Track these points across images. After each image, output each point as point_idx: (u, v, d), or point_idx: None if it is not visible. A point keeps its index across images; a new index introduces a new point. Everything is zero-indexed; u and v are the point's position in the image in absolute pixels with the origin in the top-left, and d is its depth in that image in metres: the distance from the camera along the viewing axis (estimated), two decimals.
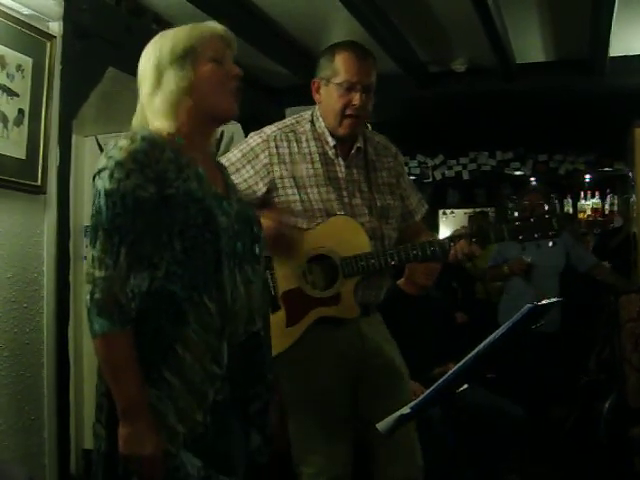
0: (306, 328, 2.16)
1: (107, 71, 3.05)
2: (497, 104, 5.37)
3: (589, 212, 6.57)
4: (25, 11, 2.59)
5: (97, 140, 3.66)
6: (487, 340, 1.47)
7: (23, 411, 2.61)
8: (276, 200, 2.17)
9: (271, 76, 4.58)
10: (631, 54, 4.28)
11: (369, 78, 2.15)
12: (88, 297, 1.47)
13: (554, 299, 1.74)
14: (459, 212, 6.86)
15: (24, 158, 2.61)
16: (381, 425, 1.53)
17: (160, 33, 1.68)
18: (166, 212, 1.52)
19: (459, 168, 6.80)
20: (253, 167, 2.17)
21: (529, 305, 1.48)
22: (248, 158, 2.18)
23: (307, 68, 4.19)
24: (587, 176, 6.57)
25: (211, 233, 1.54)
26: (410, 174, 6.30)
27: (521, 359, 3.93)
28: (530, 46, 4.26)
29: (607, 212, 6.54)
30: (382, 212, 2.23)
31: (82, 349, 3.50)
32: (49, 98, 2.70)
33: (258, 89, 4.70)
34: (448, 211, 6.65)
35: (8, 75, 2.52)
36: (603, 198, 6.58)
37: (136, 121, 1.66)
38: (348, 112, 2.15)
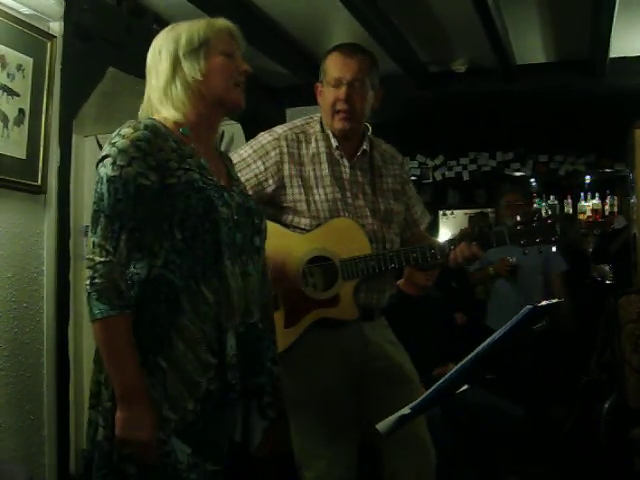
0: (304, 329, 2.16)
1: (107, 71, 3.04)
2: (497, 105, 5.37)
3: (589, 213, 6.57)
4: (26, 11, 2.59)
5: (97, 140, 3.66)
6: (487, 341, 1.47)
7: (23, 411, 2.61)
8: (283, 198, 2.19)
9: (271, 76, 4.58)
10: (631, 55, 4.28)
11: (354, 74, 2.17)
12: (88, 282, 1.49)
13: (554, 300, 1.74)
14: (459, 213, 6.86)
15: (24, 158, 2.61)
16: (381, 426, 1.53)
17: (171, 25, 1.70)
18: (167, 201, 1.54)
19: (459, 169, 6.81)
20: (264, 163, 2.19)
21: (529, 306, 1.48)
22: (259, 154, 2.20)
23: (307, 68, 4.21)
24: (587, 177, 6.58)
25: (211, 223, 1.56)
26: (410, 175, 6.29)
27: (521, 359, 3.93)
28: (530, 47, 4.26)
29: (607, 213, 6.54)
30: (385, 216, 2.24)
31: (82, 349, 3.49)
32: (49, 98, 2.70)
33: (258, 89, 4.70)
34: (448, 212, 6.65)
35: (8, 75, 2.52)
36: (603, 199, 6.58)
37: (142, 112, 1.68)
38: (337, 107, 2.18)
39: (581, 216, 6.53)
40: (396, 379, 2.19)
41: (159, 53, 1.66)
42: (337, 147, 2.22)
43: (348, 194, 2.21)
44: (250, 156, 2.21)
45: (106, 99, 3.26)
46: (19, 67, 2.57)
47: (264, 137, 2.24)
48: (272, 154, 2.20)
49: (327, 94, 2.20)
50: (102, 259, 1.49)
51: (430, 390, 1.54)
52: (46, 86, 2.69)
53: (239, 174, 1.97)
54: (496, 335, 1.47)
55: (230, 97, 1.68)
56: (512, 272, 4.25)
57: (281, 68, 4.33)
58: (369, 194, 2.24)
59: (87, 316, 1.51)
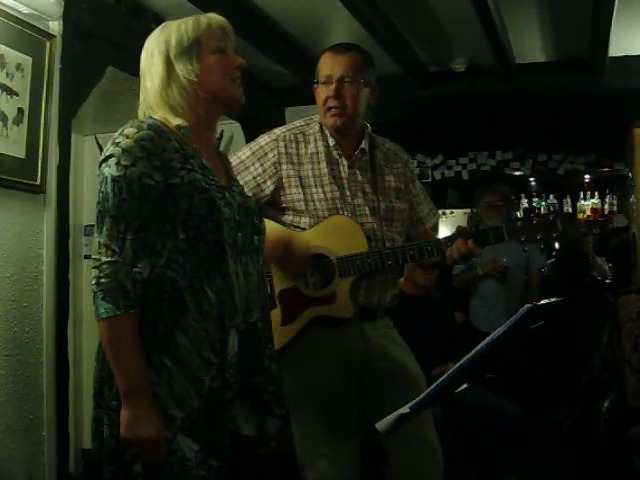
0: (302, 327, 2.16)
1: (107, 70, 3.04)
2: (497, 104, 5.37)
3: (588, 212, 6.57)
4: (25, 10, 2.59)
5: (96, 139, 3.66)
6: (486, 340, 1.47)
7: (22, 410, 2.61)
8: (282, 199, 2.20)
9: (271, 76, 4.58)
10: (631, 54, 4.28)
11: (344, 71, 2.17)
12: (94, 282, 1.49)
13: (553, 299, 1.74)
14: (458, 212, 6.84)
15: (23, 157, 2.61)
16: (380, 425, 1.53)
17: (161, 26, 1.70)
18: (170, 201, 1.54)
19: (459, 168, 6.80)
20: (262, 165, 2.20)
21: (528, 305, 1.48)
22: (257, 156, 2.21)
23: (307, 68, 4.19)
24: (586, 176, 6.58)
25: (214, 223, 1.56)
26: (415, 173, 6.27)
27: (520, 359, 3.93)
28: (530, 46, 4.26)
29: (606, 212, 6.54)
30: (386, 214, 2.24)
31: (81, 348, 3.49)
32: (49, 97, 2.70)
33: (258, 89, 4.70)
34: (448, 211, 6.64)
35: (8, 74, 2.52)
36: (602, 198, 6.58)
37: (141, 114, 1.68)
38: (328, 104, 2.19)
39: (580, 215, 6.53)
40: (400, 379, 2.18)
41: (152, 55, 1.65)
42: (334, 146, 2.22)
43: (347, 193, 2.21)
44: (248, 158, 2.22)
45: (105, 98, 3.26)
46: (18, 66, 2.57)
47: (263, 139, 2.25)
48: (270, 155, 2.20)
49: (319, 93, 2.22)
50: (108, 259, 1.49)
51: (429, 389, 1.54)
52: (45, 85, 2.69)
53: (238, 177, 1.98)
54: (495, 334, 1.47)
55: (228, 93, 1.68)
56: (503, 273, 4.24)
57: (281, 68, 4.33)
58: (369, 193, 2.24)
59: (86, 315, 1.52)
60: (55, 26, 2.74)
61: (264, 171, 2.20)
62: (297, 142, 2.23)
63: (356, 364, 2.17)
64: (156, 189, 1.53)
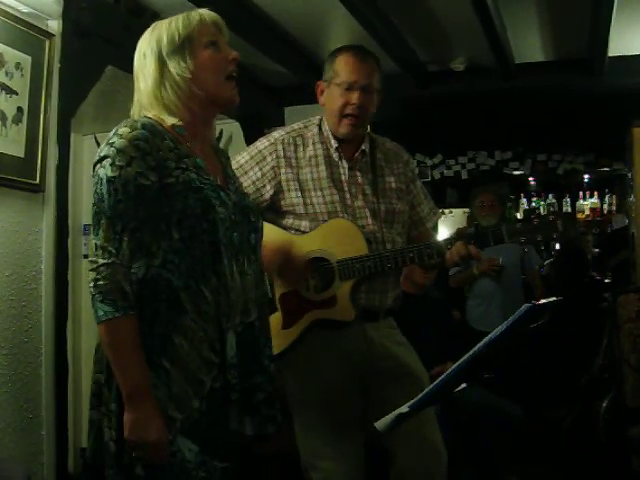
0: (302, 330, 2.16)
1: (106, 69, 3.05)
2: (496, 103, 5.38)
3: (587, 212, 6.58)
4: (24, 9, 2.59)
5: (96, 139, 3.66)
6: (485, 339, 1.47)
7: (21, 409, 2.61)
8: (282, 203, 2.19)
9: (270, 75, 4.57)
10: (630, 54, 4.28)
11: (367, 79, 2.16)
12: (92, 284, 1.48)
13: (553, 298, 1.73)
14: (458, 212, 6.84)
15: (23, 156, 2.61)
16: (379, 424, 1.53)
17: (151, 26, 1.68)
18: (165, 201, 1.53)
19: (458, 167, 6.81)
20: (261, 169, 2.19)
21: (527, 304, 1.47)
22: (256, 160, 2.20)
23: (307, 67, 4.21)
24: (586, 176, 6.59)
25: (209, 223, 1.55)
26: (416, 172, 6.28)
27: (519, 358, 3.93)
28: (529, 45, 4.26)
29: (605, 212, 6.55)
30: (386, 216, 2.23)
31: (80, 347, 3.49)
32: (48, 96, 2.70)
33: (257, 88, 4.70)
34: (447, 211, 6.64)
35: (7, 73, 2.52)
36: (602, 198, 6.59)
37: (135, 115, 1.66)
38: (347, 111, 2.16)
39: (579, 215, 6.54)
40: (403, 378, 2.17)
41: (144, 56, 1.63)
42: (337, 148, 2.21)
43: (347, 195, 2.20)
44: (247, 162, 2.21)
45: (104, 97, 3.26)
46: (17, 65, 2.56)
47: (261, 142, 2.24)
48: (269, 159, 2.19)
49: (336, 96, 2.18)
50: (105, 261, 1.48)
51: (428, 388, 1.54)
52: (44, 84, 2.69)
53: None
54: (494, 334, 1.47)
55: (223, 93, 1.65)
56: (499, 272, 4.25)
57: (280, 67, 4.32)
58: (369, 195, 2.22)
59: (85, 315, 1.51)
60: (54, 25, 2.74)
61: (263, 175, 2.18)
62: (296, 145, 2.22)
63: (358, 364, 2.17)
64: (152, 189, 1.51)
